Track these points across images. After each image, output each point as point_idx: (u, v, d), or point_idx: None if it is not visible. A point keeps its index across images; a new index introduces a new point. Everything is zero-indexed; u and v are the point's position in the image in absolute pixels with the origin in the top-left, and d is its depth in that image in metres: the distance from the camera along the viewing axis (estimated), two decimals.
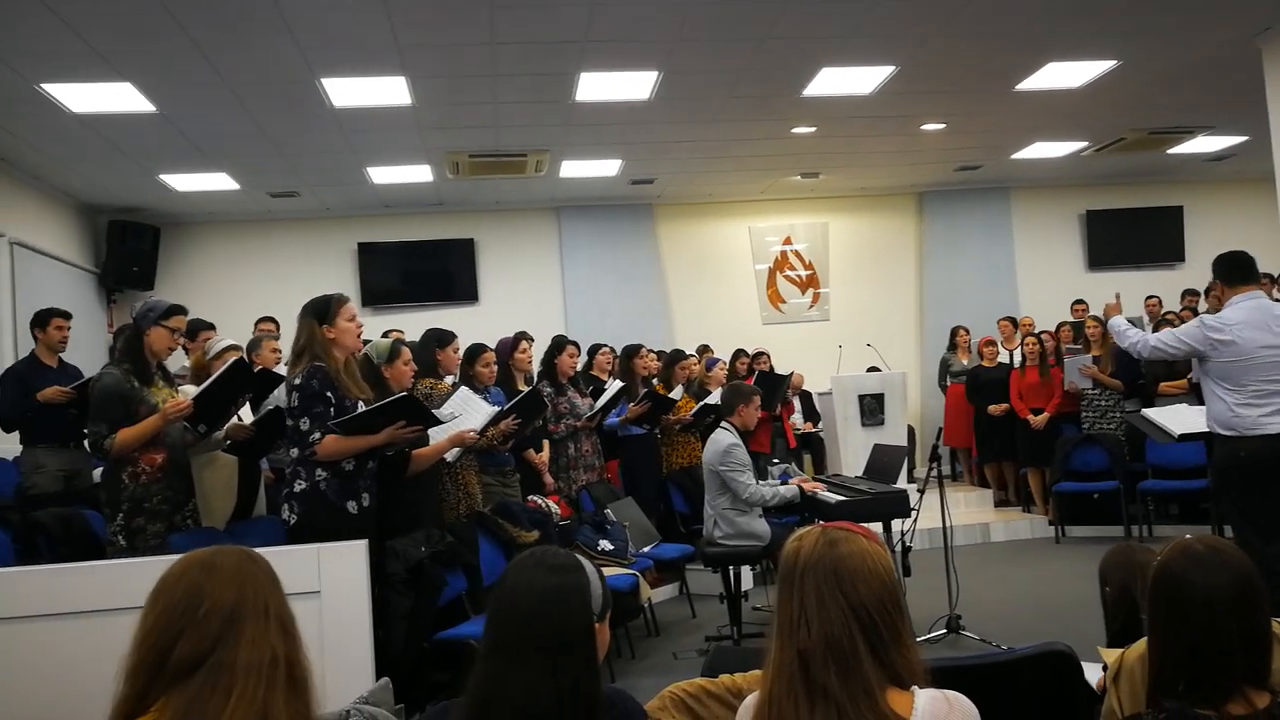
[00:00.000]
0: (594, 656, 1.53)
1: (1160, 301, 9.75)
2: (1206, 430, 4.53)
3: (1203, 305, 8.92)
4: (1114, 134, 9.35)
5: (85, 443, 4.00)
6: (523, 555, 1.63)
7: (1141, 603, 2.35)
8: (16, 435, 5.65)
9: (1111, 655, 2.07)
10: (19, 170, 8.04)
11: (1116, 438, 7.92)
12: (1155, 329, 7.36)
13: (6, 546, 4.22)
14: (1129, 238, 11.40)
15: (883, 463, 5.80)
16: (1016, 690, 2.16)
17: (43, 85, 6.23)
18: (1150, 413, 5.80)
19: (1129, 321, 4.87)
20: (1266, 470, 4.20)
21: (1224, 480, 4.43)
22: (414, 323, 8.03)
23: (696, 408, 7.10)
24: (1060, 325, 9.21)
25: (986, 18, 6.20)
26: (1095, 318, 8.24)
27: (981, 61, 7.05)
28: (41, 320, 5.70)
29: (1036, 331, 9.25)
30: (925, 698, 1.48)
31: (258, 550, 1.64)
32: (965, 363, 9.56)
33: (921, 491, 5.38)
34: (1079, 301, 10.04)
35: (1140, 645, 1.99)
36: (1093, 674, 2.33)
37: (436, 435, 4.36)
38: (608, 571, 5.07)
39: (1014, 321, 9.75)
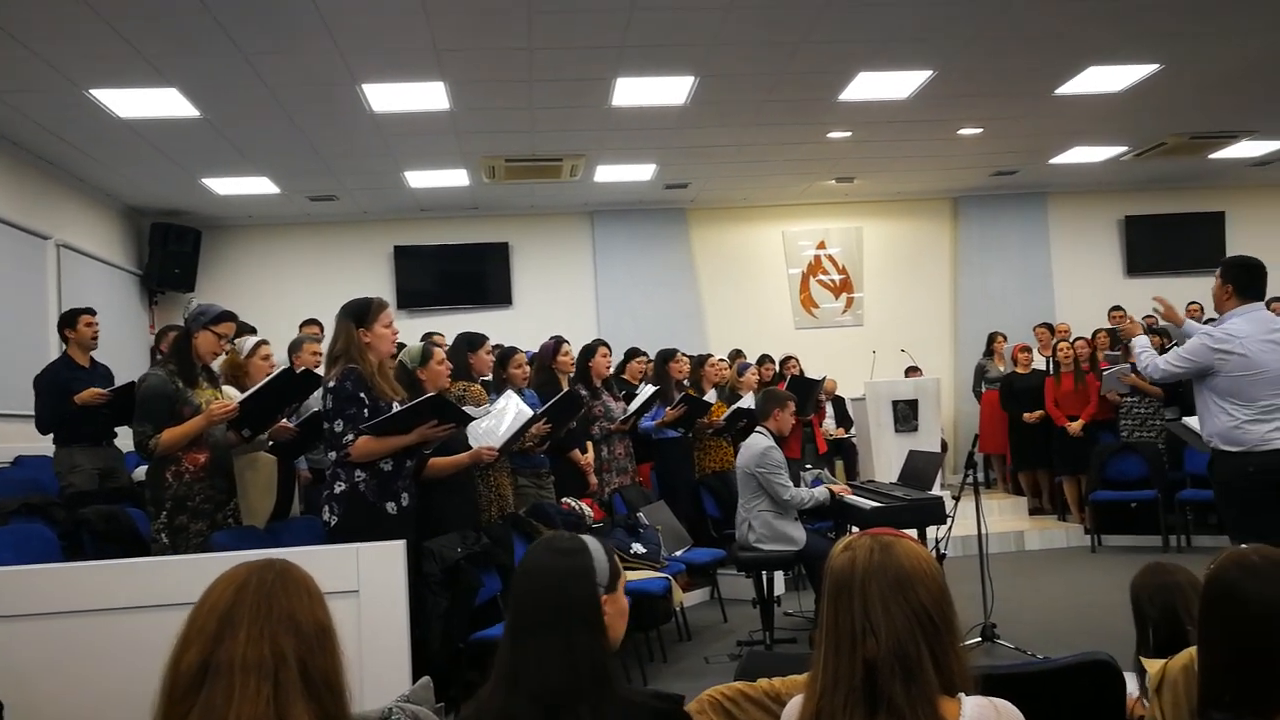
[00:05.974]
0: (601, 624, 1.66)
1: (1202, 308, 9.58)
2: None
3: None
4: (1155, 138, 9.23)
5: (133, 442, 4.05)
6: (535, 543, 1.78)
7: (1187, 620, 2.33)
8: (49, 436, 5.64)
9: (1154, 665, 2.05)
10: (66, 174, 8.21)
11: (1155, 446, 7.81)
12: None
13: (53, 543, 4.28)
14: (1169, 244, 11.22)
15: (918, 469, 5.76)
16: (1058, 700, 2.14)
17: (91, 91, 6.36)
18: (1191, 421, 5.70)
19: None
20: (1277, 483, 4.07)
21: (1228, 495, 4.30)
22: (448, 325, 8.08)
23: (729, 412, 7.09)
24: (1096, 332, 9.10)
25: (1027, 21, 6.16)
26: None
27: (1021, 65, 7.00)
28: (70, 320, 5.64)
29: (1072, 338, 9.14)
30: (972, 705, 1.47)
31: (298, 548, 1.63)
32: (1001, 369, 9.47)
33: (956, 498, 5.35)
34: (1116, 308, 9.90)
35: (1184, 655, 1.97)
36: (1130, 684, 2.31)
37: (473, 432, 4.41)
38: (640, 575, 5.09)
39: (1051, 328, 9.63)
